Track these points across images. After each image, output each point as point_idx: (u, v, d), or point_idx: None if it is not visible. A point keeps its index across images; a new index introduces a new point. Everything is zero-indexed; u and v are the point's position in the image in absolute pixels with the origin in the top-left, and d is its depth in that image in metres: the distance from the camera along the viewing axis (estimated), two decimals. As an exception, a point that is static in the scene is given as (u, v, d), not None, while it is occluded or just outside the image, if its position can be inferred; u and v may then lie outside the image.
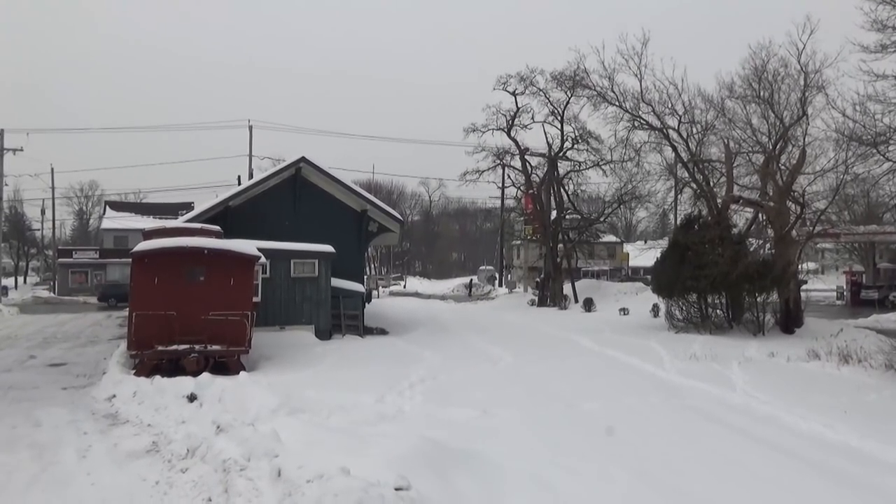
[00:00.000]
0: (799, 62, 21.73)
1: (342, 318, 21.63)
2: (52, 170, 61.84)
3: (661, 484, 7.27)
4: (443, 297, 51.87)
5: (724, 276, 20.89)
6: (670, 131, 25.76)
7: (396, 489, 6.02)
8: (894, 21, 16.26)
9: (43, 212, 67.45)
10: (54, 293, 56.55)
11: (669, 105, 25.45)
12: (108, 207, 72.74)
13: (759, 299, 21.37)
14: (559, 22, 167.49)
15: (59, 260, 61.56)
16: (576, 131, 37.75)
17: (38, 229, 76.96)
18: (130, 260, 15.22)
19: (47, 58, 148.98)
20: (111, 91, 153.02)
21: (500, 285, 62.23)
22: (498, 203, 56.39)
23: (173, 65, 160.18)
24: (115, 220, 66.30)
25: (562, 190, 39.29)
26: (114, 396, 11.94)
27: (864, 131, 17.72)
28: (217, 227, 19.61)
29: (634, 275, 66.94)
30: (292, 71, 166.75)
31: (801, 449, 8.67)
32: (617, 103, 27.15)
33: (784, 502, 6.81)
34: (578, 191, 40.36)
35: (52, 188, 62.72)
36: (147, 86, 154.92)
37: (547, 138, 38.78)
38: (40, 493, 7.09)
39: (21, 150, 40.40)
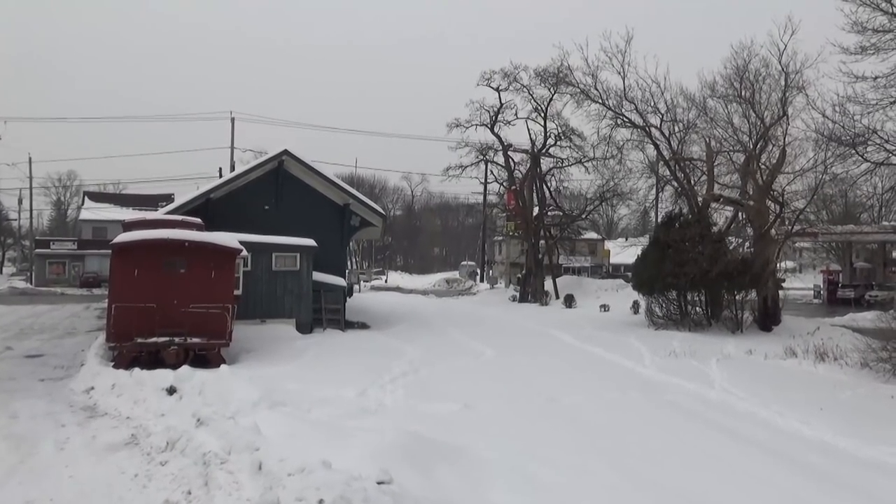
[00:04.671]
0: (780, 62, 21.99)
1: (323, 312, 21.54)
2: (30, 159, 61.09)
3: (640, 476, 7.35)
4: (424, 292, 51.87)
5: (704, 273, 21.10)
6: (652, 129, 25.97)
7: (378, 483, 6.02)
8: (874, 23, 16.48)
9: (20, 201, 66.52)
10: (31, 284, 55.81)
11: (652, 103, 25.66)
12: (86, 198, 71.86)
13: (737, 297, 21.65)
14: (543, 18, 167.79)
15: (37, 250, 60.76)
16: (559, 128, 37.95)
17: (15, 219, 75.73)
18: (110, 251, 15.06)
19: (25, 45, 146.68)
20: (90, 80, 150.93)
21: (482, 281, 62.34)
22: (480, 198, 56.48)
23: (154, 55, 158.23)
24: (93, 211, 65.54)
25: (544, 186, 39.45)
26: (92, 388, 11.82)
27: (843, 132, 17.98)
28: (198, 220, 19.44)
29: (615, 272, 67.23)
30: (275, 64, 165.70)
31: (777, 444, 8.80)
32: (600, 101, 27.29)
33: (760, 496, 6.90)
34: (561, 187, 40.58)
35: (30, 178, 61.88)
36: (127, 77, 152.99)
37: (530, 135, 38.90)
38: (17, 484, 7.01)
39: (-2, 138, 39.85)
